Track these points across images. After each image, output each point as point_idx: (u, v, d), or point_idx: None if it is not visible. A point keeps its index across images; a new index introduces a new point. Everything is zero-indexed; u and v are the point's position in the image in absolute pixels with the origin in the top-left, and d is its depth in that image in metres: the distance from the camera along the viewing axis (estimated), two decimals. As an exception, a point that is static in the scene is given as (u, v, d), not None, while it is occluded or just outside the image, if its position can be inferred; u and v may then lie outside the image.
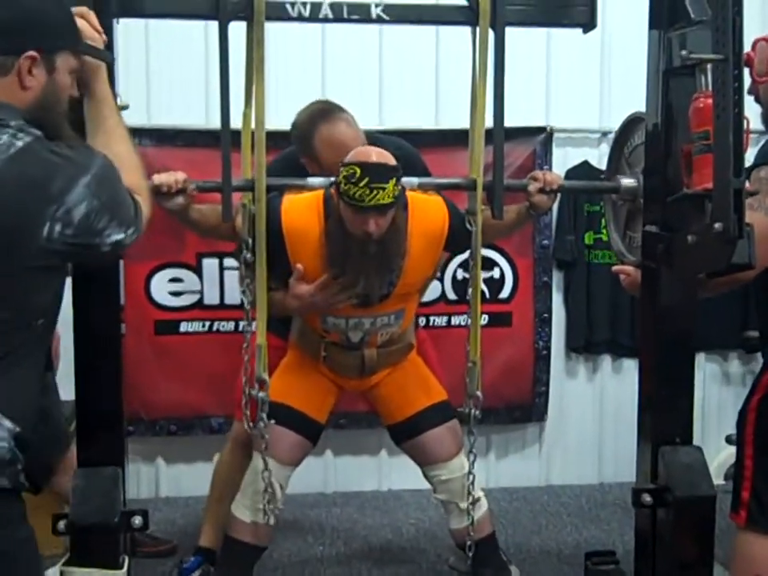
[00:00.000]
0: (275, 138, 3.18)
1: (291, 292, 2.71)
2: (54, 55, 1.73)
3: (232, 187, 2.45)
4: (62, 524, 2.15)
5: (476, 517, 2.80)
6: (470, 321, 2.59)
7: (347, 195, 2.54)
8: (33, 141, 1.63)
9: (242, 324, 2.63)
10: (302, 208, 2.73)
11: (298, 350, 3.01)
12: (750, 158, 2.16)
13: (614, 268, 2.83)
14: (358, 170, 2.52)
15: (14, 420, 1.65)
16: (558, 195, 2.84)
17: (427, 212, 2.78)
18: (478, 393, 2.60)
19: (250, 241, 2.48)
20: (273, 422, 2.62)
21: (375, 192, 2.51)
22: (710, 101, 2.13)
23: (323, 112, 3.08)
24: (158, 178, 2.49)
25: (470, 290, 2.62)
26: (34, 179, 1.60)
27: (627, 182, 2.69)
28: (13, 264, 1.60)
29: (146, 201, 1.85)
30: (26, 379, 1.71)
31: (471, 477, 2.72)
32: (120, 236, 1.71)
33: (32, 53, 1.68)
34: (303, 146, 3.07)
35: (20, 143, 1.60)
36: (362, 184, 2.50)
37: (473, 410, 2.62)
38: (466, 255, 2.83)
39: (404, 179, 2.67)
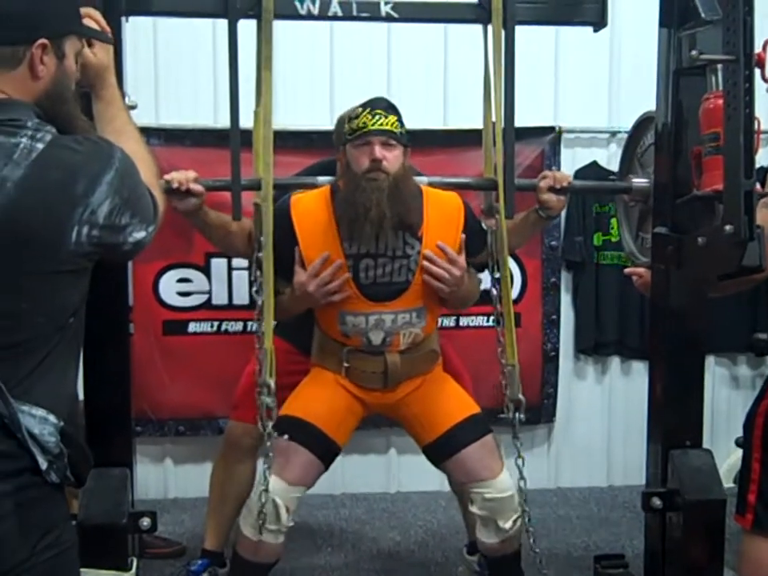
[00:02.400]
0: (284, 137, 3.19)
1: (294, 281, 2.67)
2: (63, 40, 1.70)
3: (241, 185, 2.45)
4: (70, 524, 2.15)
5: (512, 532, 2.76)
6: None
7: (351, 131, 2.64)
8: (52, 140, 1.60)
9: (251, 325, 2.61)
10: (310, 199, 2.74)
11: (319, 367, 2.85)
12: (760, 159, 2.14)
13: (627, 270, 2.83)
14: (360, 108, 2.66)
15: (58, 415, 1.64)
16: (567, 196, 2.84)
17: (442, 198, 2.77)
18: (520, 396, 2.63)
19: (263, 239, 2.48)
20: (286, 437, 2.59)
21: (378, 117, 2.61)
22: (720, 101, 2.12)
23: None
24: (169, 176, 2.50)
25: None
26: (59, 183, 1.57)
27: (639, 182, 2.68)
28: (44, 271, 1.58)
29: (160, 197, 1.83)
30: (65, 375, 1.71)
31: (523, 482, 2.69)
32: (141, 234, 1.69)
33: (43, 40, 1.64)
34: None
35: (40, 145, 1.57)
36: (363, 113, 2.62)
37: (518, 414, 2.64)
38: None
39: (415, 177, 2.69)
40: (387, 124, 2.61)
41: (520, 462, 2.68)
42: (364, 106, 2.65)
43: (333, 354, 2.80)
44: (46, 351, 1.63)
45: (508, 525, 2.73)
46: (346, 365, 2.77)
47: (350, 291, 2.67)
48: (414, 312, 2.74)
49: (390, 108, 2.65)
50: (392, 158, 2.62)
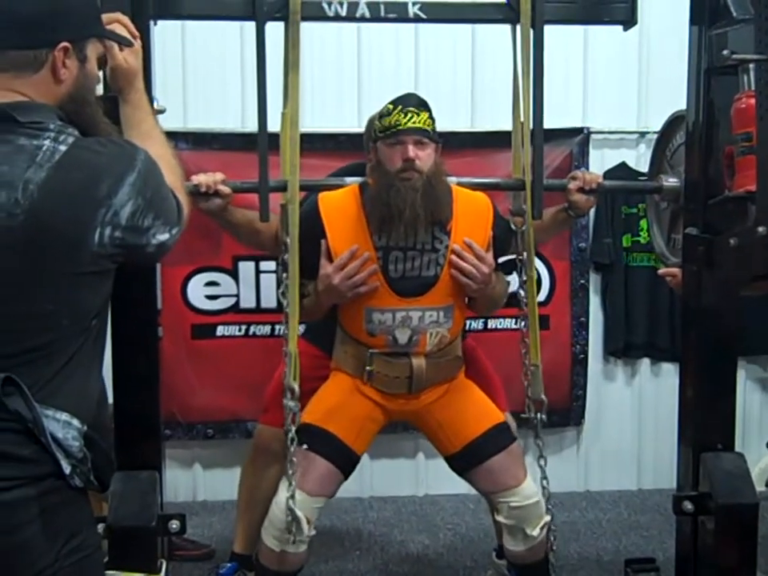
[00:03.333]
0: (311, 140, 3.19)
1: (320, 273, 2.65)
2: (85, 43, 1.71)
3: (269, 187, 2.45)
4: (100, 527, 2.15)
5: (540, 539, 2.74)
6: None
7: (382, 129, 2.62)
8: (74, 142, 1.60)
9: (279, 328, 2.61)
10: (339, 196, 2.72)
11: (340, 372, 2.80)
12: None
13: (660, 271, 2.81)
14: (391, 105, 2.63)
15: (81, 419, 1.65)
16: (596, 196, 2.82)
17: (470, 197, 2.75)
18: (543, 397, 2.63)
19: (289, 241, 2.47)
20: (305, 446, 2.57)
21: (410, 115, 2.59)
22: (752, 101, 2.09)
23: None
24: (197, 178, 2.50)
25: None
26: (82, 185, 1.57)
27: (670, 182, 2.66)
28: (67, 272, 1.59)
29: (185, 200, 1.83)
30: (88, 378, 1.71)
31: (545, 484, 2.69)
32: (165, 236, 1.69)
33: (65, 44, 1.65)
34: None
35: (63, 147, 1.58)
36: (395, 111, 2.60)
37: (539, 415, 2.64)
38: (503, 258, 2.83)
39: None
40: (420, 122, 2.58)
41: (542, 462, 2.68)
42: (395, 102, 2.63)
43: (355, 358, 2.75)
44: (69, 354, 1.64)
45: (536, 532, 2.71)
46: (368, 368, 2.71)
47: (377, 283, 2.64)
48: (441, 311, 2.70)
49: (422, 105, 2.63)
50: (425, 157, 2.60)
